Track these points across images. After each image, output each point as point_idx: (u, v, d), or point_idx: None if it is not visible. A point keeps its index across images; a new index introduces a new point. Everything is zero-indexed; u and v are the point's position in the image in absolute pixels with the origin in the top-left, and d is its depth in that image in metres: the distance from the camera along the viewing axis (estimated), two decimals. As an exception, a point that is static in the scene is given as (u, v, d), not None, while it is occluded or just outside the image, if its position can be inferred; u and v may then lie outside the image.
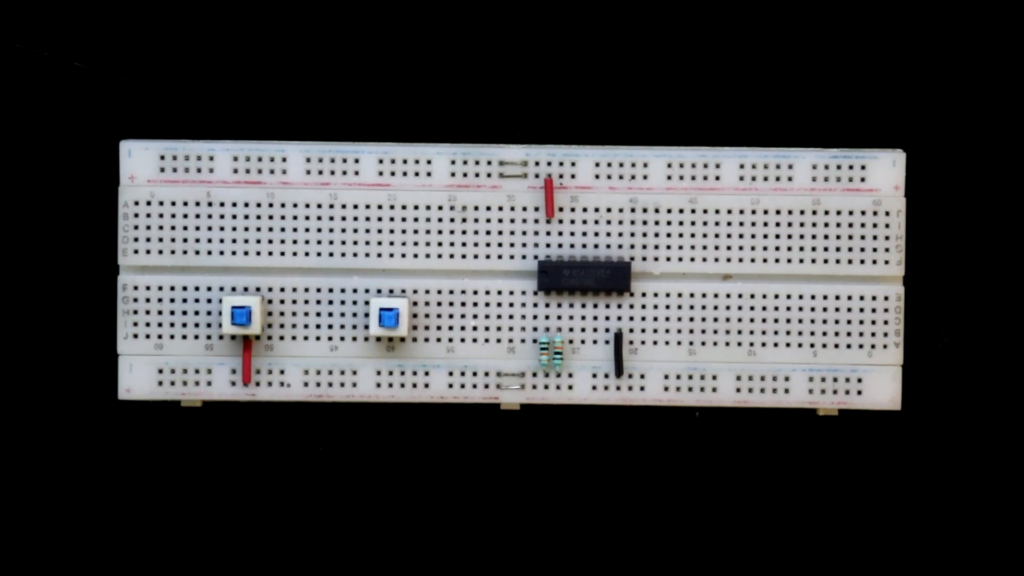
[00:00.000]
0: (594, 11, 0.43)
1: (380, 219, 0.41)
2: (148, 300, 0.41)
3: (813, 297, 0.41)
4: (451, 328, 0.41)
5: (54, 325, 0.42)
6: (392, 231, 0.41)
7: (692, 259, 0.41)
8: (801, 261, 0.41)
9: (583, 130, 0.42)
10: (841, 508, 0.43)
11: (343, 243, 0.41)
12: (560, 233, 0.41)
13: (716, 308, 0.41)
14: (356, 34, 0.42)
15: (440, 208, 0.41)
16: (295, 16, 0.42)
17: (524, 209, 0.41)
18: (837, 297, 0.41)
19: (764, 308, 0.41)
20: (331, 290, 0.41)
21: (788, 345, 0.41)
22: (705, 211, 0.41)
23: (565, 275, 0.41)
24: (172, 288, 0.41)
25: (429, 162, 0.41)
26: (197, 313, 0.41)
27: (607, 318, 0.41)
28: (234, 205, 0.41)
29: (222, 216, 0.41)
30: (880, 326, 0.41)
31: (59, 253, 0.42)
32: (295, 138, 0.42)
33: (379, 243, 0.41)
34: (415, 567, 0.43)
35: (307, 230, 0.41)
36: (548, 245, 0.41)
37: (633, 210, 0.41)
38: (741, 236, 0.41)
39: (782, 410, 0.42)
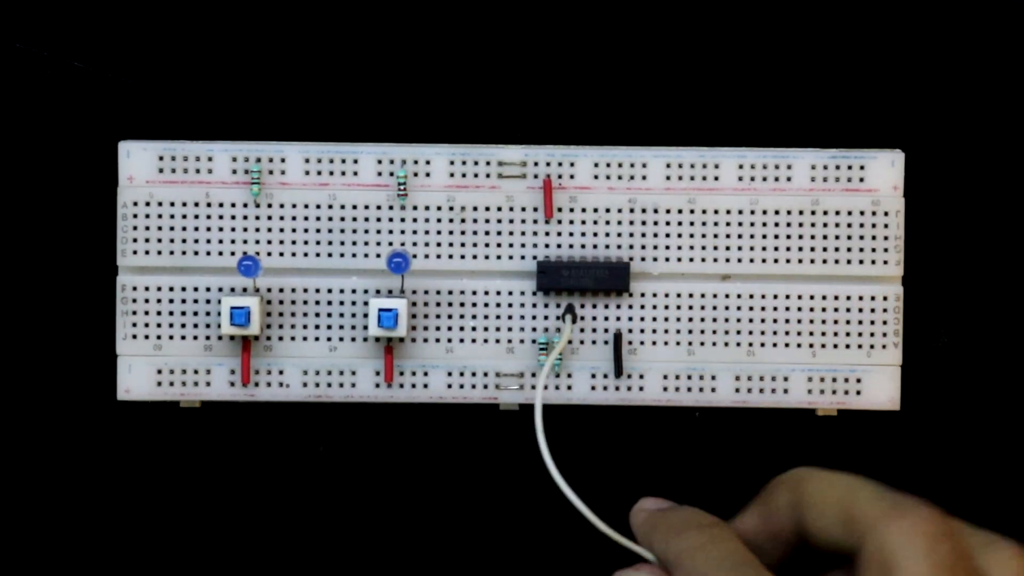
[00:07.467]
0: (593, 11, 0.43)
1: (379, 219, 0.41)
2: (147, 301, 0.41)
3: (812, 297, 0.41)
4: (450, 328, 0.41)
5: (53, 325, 0.42)
6: (391, 231, 0.41)
7: (691, 259, 0.41)
8: (800, 261, 0.41)
9: (582, 130, 0.42)
10: (840, 508, 0.42)
11: (342, 243, 0.41)
12: (559, 233, 0.41)
13: (715, 308, 0.41)
14: (355, 34, 0.42)
15: (439, 208, 0.41)
16: (294, 16, 0.42)
17: (523, 209, 0.41)
18: (836, 297, 0.41)
19: (763, 308, 0.41)
20: (330, 290, 0.41)
21: (787, 345, 0.41)
22: (704, 211, 0.41)
23: (564, 275, 0.41)
24: (171, 289, 0.41)
25: (428, 162, 0.41)
26: (196, 314, 0.41)
27: (606, 318, 0.41)
28: (233, 206, 0.41)
29: (221, 217, 0.41)
30: (879, 326, 0.41)
31: (58, 253, 0.42)
32: (294, 138, 0.42)
33: (378, 243, 0.41)
34: (415, 567, 0.43)
35: (306, 230, 0.41)
36: (547, 245, 0.41)
37: (632, 210, 0.41)
38: (740, 236, 0.41)
39: (781, 410, 0.42)
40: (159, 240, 0.41)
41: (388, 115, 0.42)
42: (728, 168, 0.41)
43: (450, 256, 0.41)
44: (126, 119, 0.42)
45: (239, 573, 0.42)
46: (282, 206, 0.41)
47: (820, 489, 0.31)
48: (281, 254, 0.41)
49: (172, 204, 0.41)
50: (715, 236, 0.41)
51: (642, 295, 0.41)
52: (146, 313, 0.41)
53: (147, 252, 0.41)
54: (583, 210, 0.41)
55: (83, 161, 0.42)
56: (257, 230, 0.41)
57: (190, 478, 0.42)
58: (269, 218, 0.41)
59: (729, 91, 0.42)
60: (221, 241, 0.41)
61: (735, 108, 0.42)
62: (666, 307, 0.41)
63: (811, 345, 0.41)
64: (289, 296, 0.41)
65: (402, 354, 0.41)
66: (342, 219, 0.41)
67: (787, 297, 0.41)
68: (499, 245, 0.41)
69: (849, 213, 0.41)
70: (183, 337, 0.41)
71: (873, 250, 0.41)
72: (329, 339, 0.41)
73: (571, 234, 0.41)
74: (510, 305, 0.41)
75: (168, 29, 0.42)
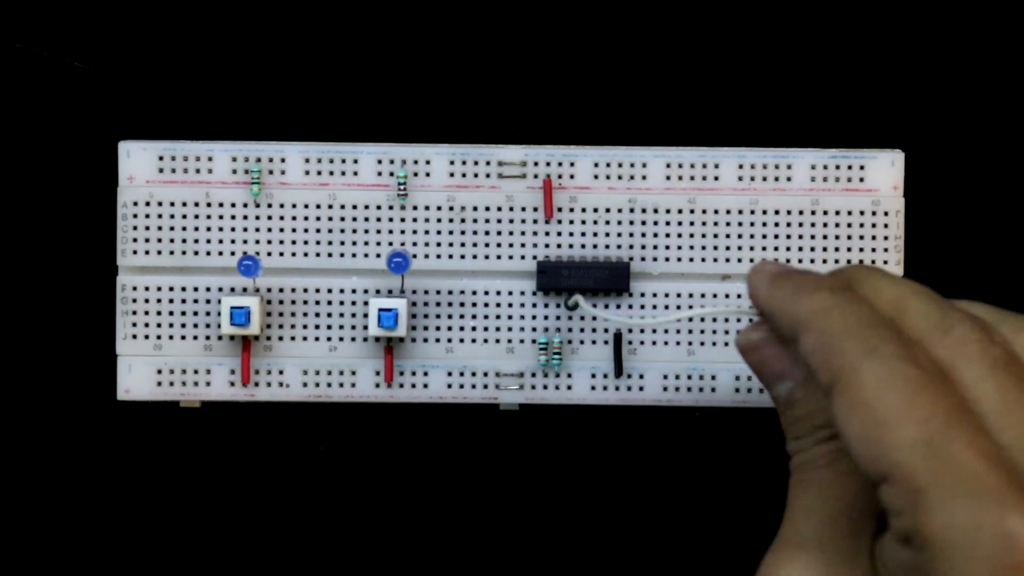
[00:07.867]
0: (593, 11, 0.43)
1: (379, 219, 0.41)
2: (147, 300, 0.41)
3: (812, 297, 0.41)
4: (450, 328, 0.41)
5: (53, 325, 0.42)
6: (391, 231, 0.41)
7: (691, 259, 0.41)
8: (800, 261, 0.41)
9: (582, 130, 0.42)
10: (840, 508, 0.42)
11: (342, 243, 0.41)
12: (559, 233, 0.41)
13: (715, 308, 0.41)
14: (355, 34, 0.43)
15: (439, 208, 0.41)
16: (294, 16, 0.42)
17: (523, 209, 0.41)
18: (836, 297, 0.41)
19: (763, 308, 0.41)
20: (330, 290, 0.41)
21: (787, 345, 0.41)
22: (704, 211, 0.41)
23: (564, 275, 0.41)
24: (171, 288, 0.41)
25: (428, 162, 0.41)
26: (196, 314, 0.41)
27: (606, 318, 0.41)
28: (233, 206, 0.41)
29: (221, 217, 0.41)
30: (879, 326, 0.41)
31: (58, 253, 0.42)
32: (294, 138, 0.42)
33: (378, 243, 0.41)
34: (415, 568, 0.43)
35: (306, 230, 0.41)
36: (547, 245, 0.41)
37: (632, 210, 0.41)
38: (740, 236, 0.41)
39: (781, 410, 0.42)
40: (159, 240, 0.41)
41: (388, 115, 0.42)
42: (728, 168, 0.41)
43: (450, 256, 0.41)
44: (126, 119, 0.42)
45: (239, 573, 0.42)
46: (282, 206, 0.41)
47: (869, 295, 0.30)
48: (281, 254, 0.41)
49: (172, 204, 0.41)
50: (715, 236, 0.41)
51: (642, 295, 0.41)
52: (146, 313, 0.41)
53: (147, 252, 0.41)
54: (583, 210, 0.41)
55: (83, 161, 0.42)
56: (257, 230, 0.41)
57: (190, 478, 0.42)
58: (269, 218, 0.41)
59: (729, 91, 0.42)
60: (221, 241, 0.41)
61: (735, 108, 0.42)
62: (666, 307, 0.41)
63: (811, 345, 0.41)
64: (289, 296, 0.41)
65: (402, 354, 0.41)
66: (342, 219, 0.41)
67: (787, 297, 0.41)
68: (499, 245, 0.41)
69: (849, 213, 0.41)
70: (183, 337, 0.41)
71: (873, 250, 0.41)
72: (329, 339, 0.41)
73: (571, 234, 0.41)
74: (510, 305, 0.41)
75: (168, 29, 0.42)
